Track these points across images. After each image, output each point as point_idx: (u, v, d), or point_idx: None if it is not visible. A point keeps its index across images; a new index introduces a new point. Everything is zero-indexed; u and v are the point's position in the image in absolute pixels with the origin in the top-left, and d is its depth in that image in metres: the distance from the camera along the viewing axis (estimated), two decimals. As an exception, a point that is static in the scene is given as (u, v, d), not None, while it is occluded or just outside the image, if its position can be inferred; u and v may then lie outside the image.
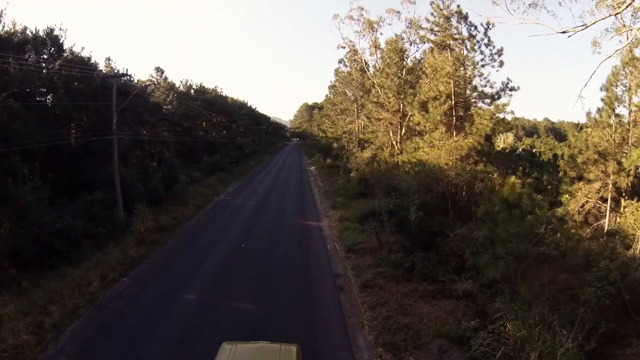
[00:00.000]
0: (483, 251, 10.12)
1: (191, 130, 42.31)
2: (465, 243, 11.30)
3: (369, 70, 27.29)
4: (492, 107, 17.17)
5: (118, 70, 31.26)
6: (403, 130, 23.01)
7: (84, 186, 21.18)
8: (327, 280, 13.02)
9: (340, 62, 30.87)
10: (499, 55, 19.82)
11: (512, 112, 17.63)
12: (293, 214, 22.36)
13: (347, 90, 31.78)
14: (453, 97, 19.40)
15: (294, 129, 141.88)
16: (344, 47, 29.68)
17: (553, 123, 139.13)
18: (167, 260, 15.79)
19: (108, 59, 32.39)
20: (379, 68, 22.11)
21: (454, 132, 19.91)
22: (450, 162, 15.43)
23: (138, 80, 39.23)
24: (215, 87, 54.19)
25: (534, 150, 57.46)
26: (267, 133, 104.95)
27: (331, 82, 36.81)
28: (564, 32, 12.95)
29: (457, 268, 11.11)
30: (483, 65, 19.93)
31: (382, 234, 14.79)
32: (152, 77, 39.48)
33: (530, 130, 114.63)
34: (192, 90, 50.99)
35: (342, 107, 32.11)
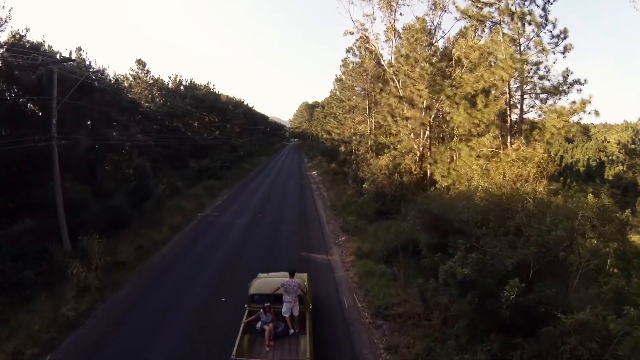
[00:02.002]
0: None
1: (178, 131, 37.43)
2: (595, 337, 6.50)
3: (383, 60, 22.47)
4: (575, 105, 12.39)
5: (90, 63, 26.54)
6: (427, 133, 18.20)
7: (30, 207, 16.41)
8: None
9: (348, 51, 26.08)
10: (563, 38, 15.12)
11: (597, 113, 12.84)
12: (293, 241, 17.51)
13: (356, 85, 26.84)
14: (508, 91, 14.62)
15: (294, 129, 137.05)
16: (353, 33, 24.81)
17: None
18: (115, 321, 10.98)
19: (79, 48, 27.28)
20: (404, 54, 17.40)
21: (508, 138, 15.14)
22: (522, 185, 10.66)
23: (113, 73, 34.55)
24: (208, 83, 49.24)
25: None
26: (265, 133, 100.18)
27: (337, 75, 31.86)
28: None
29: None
30: (542, 50, 15.24)
31: (426, 288, 9.97)
32: (132, 70, 34.57)
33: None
34: (182, 87, 46.09)
35: (352, 103, 27.15)
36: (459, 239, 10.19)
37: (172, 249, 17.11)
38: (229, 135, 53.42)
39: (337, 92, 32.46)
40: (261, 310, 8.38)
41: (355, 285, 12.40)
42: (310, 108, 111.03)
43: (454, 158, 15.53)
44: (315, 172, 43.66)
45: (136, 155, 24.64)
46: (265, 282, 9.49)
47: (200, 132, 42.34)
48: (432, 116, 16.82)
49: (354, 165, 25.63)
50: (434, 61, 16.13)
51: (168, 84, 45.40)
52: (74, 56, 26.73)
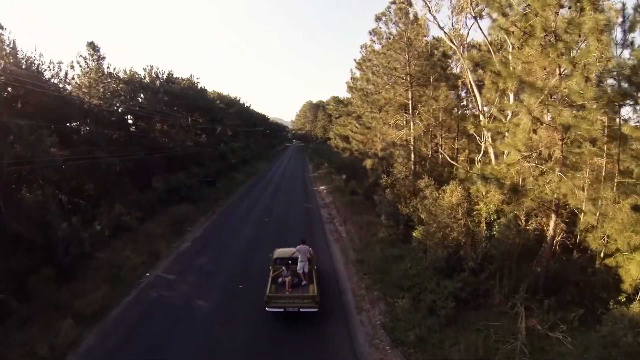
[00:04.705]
0: None
1: (145, 137, 28.64)
2: None
3: (442, 27, 13.55)
4: None
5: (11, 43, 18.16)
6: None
7: None
8: None
9: (379, 19, 17.00)
10: None
11: None
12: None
13: (391, 69, 17.62)
14: None
15: (296, 130, 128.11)
16: (388, -7, 15.94)
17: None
18: None
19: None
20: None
21: None
22: None
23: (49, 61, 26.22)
24: (191, 76, 40.38)
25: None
26: (265, 135, 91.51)
27: (356, 61, 22.49)
28: None
29: None
30: None
31: None
32: (80, 56, 25.67)
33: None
34: (158, 81, 37.36)
35: (388, 95, 17.87)
36: None
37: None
38: (219, 140, 44.67)
39: (361, 82, 23.03)
40: (283, 267, 11.78)
41: None
42: (314, 108, 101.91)
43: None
44: (323, 187, 34.74)
45: (50, 182, 15.90)
46: (284, 250, 12.74)
47: (178, 136, 33.51)
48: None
49: (390, 191, 16.71)
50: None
51: (144, 77, 36.79)
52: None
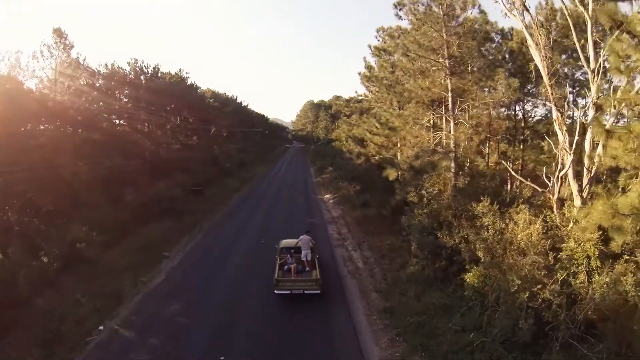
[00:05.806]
0: None
1: (123, 141, 24.81)
2: None
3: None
4: None
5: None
6: None
7: None
8: None
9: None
10: None
11: None
12: None
13: (423, 51, 13.53)
14: None
15: (297, 131, 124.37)
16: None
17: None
18: None
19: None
20: None
21: None
22: None
23: None
24: (180, 71, 36.60)
25: None
26: (264, 136, 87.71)
27: (371, 46, 18.27)
28: None
29: None
30: None
31: None
32: (44, 45, 21.80)
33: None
34: (143, 76, 33.62)
35: (423, 84, 13.54)
36: None
37: None
38: (212, 142, 40.87)
39: (378, 72, 18.90)
40: (288, 255, 12.96)
41: None
42: (315, 108, 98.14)
43: None
44: (328, 196, 30.91)
45: None
46: (288, 241, 13.92)
47: (163, 138, 29.68)
48: None
49: (421, 212, 12.83)
50: None
51: (129, 72, 33.06)
52: None
